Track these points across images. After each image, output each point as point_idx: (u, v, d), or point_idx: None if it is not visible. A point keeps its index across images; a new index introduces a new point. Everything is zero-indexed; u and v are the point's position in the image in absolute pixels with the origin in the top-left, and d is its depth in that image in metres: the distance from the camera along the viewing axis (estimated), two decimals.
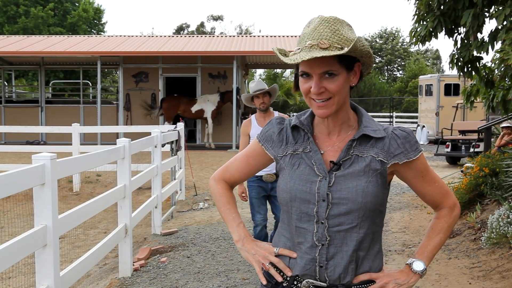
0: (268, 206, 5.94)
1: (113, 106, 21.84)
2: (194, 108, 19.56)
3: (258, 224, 5.83)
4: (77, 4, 39.14)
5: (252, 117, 5.79)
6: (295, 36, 22.77)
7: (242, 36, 27.28)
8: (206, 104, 19.60)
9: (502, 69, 5.50)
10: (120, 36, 23.86)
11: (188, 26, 49.71)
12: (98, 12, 40.50)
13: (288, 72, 44.10)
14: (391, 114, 33.40)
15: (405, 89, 44.14)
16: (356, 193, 1.87)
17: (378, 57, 58.24)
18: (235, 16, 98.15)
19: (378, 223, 1.98)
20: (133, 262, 6.15)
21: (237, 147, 19.47)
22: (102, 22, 41.38)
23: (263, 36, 23.56)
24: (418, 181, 2.00)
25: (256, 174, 5.27)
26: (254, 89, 5.58)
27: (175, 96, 19.98)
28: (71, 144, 12.15)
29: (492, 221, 6.11)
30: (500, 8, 5.62)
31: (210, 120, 19.59)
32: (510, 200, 6.69)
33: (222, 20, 61.47)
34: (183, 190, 11.02)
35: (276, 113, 5.75)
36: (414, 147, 1.94)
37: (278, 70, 40.54)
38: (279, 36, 22.90)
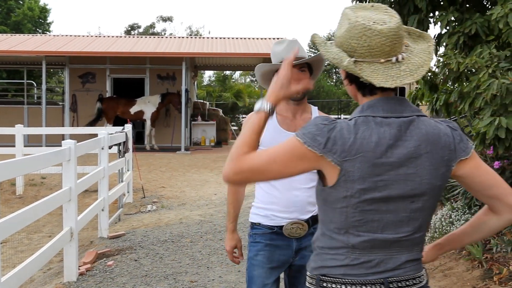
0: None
1: (58, 107, 21.41)
2: (133, 110, 19.35)
3: None
4: (21, 2, 38.15)
5: None
6: (245, 39, 22.84)
7: (192, 37, 27.17)
8: (146, 105, 19.43)
9: (445, 73, 5.65)
10: (67, 35, 23.39)
11: (139, 27, 49.12)
12: (44, 11, 39.60)
13: (237, 74, 44.18)
14: (339, 116, 33.91)
15: None
16: None
17: (327, 60, 58.99)
18: (186, 17, 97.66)
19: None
20: (79, 266, 6.04)
21: (186, 149, 19.35)
22: (48, 21, 40.48)
23: (212, 38, 23.53)
24: None
25: (270, 224, 2.96)
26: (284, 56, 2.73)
27: (114, 97, 19.80)
28: (14, 146, 11.83)
29: (435, 221, 6.28)
30: (443, 13, 5.78)
31: (148, 122, 19.45)
32: (452, 201, 6.88)
33: (171, 21, 61.05)
34: (130, 193, 10.88)
35: (316, 110, 3.08)
36: None
37: (228, 72, 40.54)
38: (228, 38, 22.91)
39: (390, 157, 1.79)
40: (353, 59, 1.81)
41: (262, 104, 1.95)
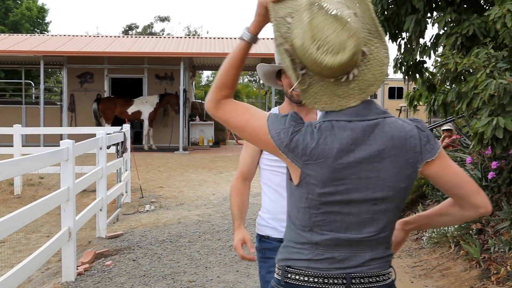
0: None
1: (56, 107, 21.36)
2: (130, 110, 19.28)
3: None
4: (19, 2, 38.08)
5: (274, 110, 2.95)
6: None
7: (190, 37, 27.15)
8: (144, 105, 19.37)
9: (443, 73, 5.66)
10: (65, 35, 23.34)
11: (137, 27, 49.01)
12: (42, 11, 39.52)
13: None
14: None
15: None
16: None
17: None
18: (184, 17, 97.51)
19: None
20: (77, 266, 6.03)
21: (184, 149, 19.35)
22: (46, 21, 40.41)
23: (210, 38, 23.51)
24: None
25: (279, 237, 2.76)
26: None
27: (111, 97, 19.76)
28: (12, 146, 11.82)
29: None
30: (441, 14, 5.80)
31: (146, 122, 19.40)
32: None
33: (169, 21, 60.91)
34: (129, 193, 10.87)
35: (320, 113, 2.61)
36: None
37: None
38: (226, 38, 22.90)
39: (351, 162, 1.81)
40: (303, 71, 1.82)
41: (243, 33, 1.95)
